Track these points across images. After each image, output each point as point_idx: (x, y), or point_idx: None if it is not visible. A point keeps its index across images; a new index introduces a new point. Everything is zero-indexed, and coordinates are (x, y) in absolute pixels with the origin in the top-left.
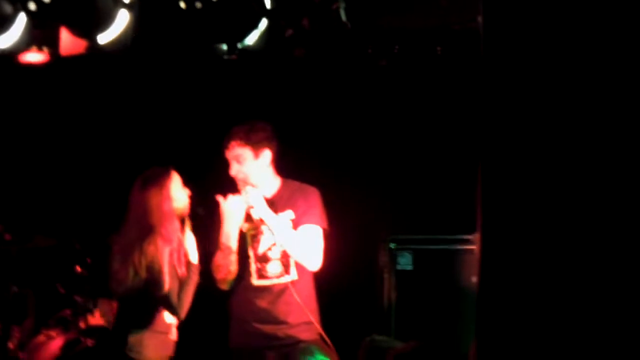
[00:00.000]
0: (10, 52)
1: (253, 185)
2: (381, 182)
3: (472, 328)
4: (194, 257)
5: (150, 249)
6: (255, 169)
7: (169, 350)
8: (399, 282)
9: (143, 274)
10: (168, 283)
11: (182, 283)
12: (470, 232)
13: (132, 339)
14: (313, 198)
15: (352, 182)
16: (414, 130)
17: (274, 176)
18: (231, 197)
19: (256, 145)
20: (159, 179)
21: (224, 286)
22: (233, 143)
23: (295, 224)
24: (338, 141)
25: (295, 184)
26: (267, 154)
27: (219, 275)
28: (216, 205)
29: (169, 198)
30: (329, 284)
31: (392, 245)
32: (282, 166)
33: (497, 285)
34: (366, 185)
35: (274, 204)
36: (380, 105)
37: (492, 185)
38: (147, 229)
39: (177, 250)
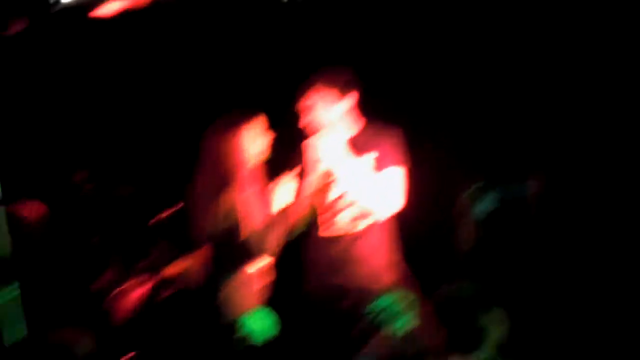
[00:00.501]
0: (83, 3)
1: (330, 130)
2: (463, 126)
3: None
4: (279, 205)
5: (228, 197)
6: (335, 113)
7: (259, 300)
8: (479, 228)
9: (224, 222)
10: (248, 230)
11: (265, 230)
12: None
13: (223, 291)
14: (394, 140)
15: (433, 125)
16: (498, 71)
17: (354, 120)
18: (310, 142)
19: (341, 88)
20: (235, 125)
21: (293, 235)
22: (314, 87)
23: (376, 166)
24: (419, 82)
25: (377, 127)
26: (348, 98)
27: (293, 220)
28: (291, 153)
29: (244, 144)
30: (407, 230)
31: (472, 190)
32: (363, 109)
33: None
34: (447, 128)
35: (354, 147)
36: (462, 48)
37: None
38: (223, 176)
39: (256, 197)
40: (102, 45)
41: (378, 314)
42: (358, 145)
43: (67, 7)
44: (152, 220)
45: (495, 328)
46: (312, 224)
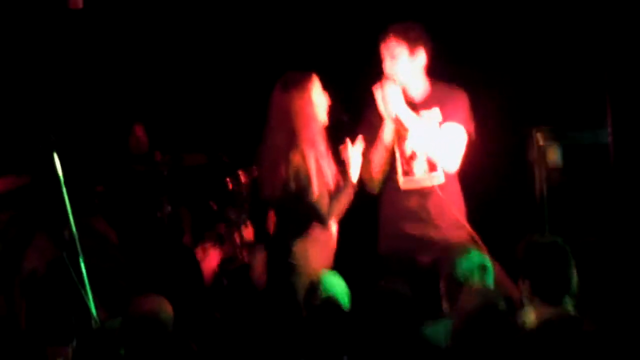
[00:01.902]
0: None
1: (399, 84)
2: (529, 76)
3: None
4: (354, 173)
5: (296, 158)
6: (408, 67)
7: (330, 259)
8: (549, 178)
9: (292, 183)
10: (317, 190)
11: (333, 192)
12: None
13: (295, 247)
14: (461, 100)
15: (499, 77)
16: (562, 16)
17: (424, 78)
18: (381, 95)
19: (413, 43)
20: (300, 83)
21: (374, 188)
22: (391, 38)
23: (442, 124)
24: (482, 35)
25: (444, 86)
26: (421, 54)
27: (370, 174)
28: (362, 109)
29: (310, 102)
30: (479, 183)
31: (541, 141)
32: (430, 67)
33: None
34: (514, 80)
35: (422, 104)
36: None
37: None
38: (290, 134)
39: (323, 156)
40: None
41: (465, 270)
42: (426, 101)
43: None
44: (222, 186)
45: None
46: (387, 177)
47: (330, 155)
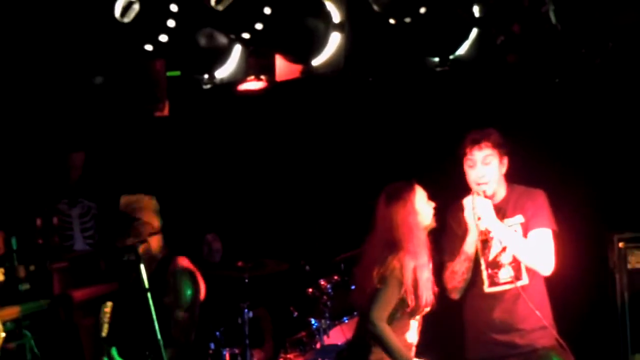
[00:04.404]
0: (229, 82)
1: (484, 193)
2: (608, 180)
3: None
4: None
5: (393, 263)
6: (497, 173)
7: None
8: (630, 281)
9: (378, 283)
10: (414, 294)
11: (430, 292)
12: None
13: (373, 356)
14: (540, 200)
15: (577, 181)
16: (635, 125)
17: (503, 182)
18: (468, 203)
19: (502, 151)
20: (403, 193)
21: (456, 295)
22: (484, 144)
23: (525, 227)
24: (559, 142)
25: (521, 188)
26: (505, 161)
27: (453, 283)
28: (446, 215)
29: (414, 211)
30: (560, 286)
31: (621, 244)
32: (510, 172)
33: None
34: (592, 184)
35: (503, 209)
36: (597, 103)
37: None
38: (392, 244)
39: (423, 268)
40: (247, 120)
41: None
42: (506, 205)
43: (217, 84)
44: (303, 293)
45: None
46: (472, 282)
47: (431, 268)
